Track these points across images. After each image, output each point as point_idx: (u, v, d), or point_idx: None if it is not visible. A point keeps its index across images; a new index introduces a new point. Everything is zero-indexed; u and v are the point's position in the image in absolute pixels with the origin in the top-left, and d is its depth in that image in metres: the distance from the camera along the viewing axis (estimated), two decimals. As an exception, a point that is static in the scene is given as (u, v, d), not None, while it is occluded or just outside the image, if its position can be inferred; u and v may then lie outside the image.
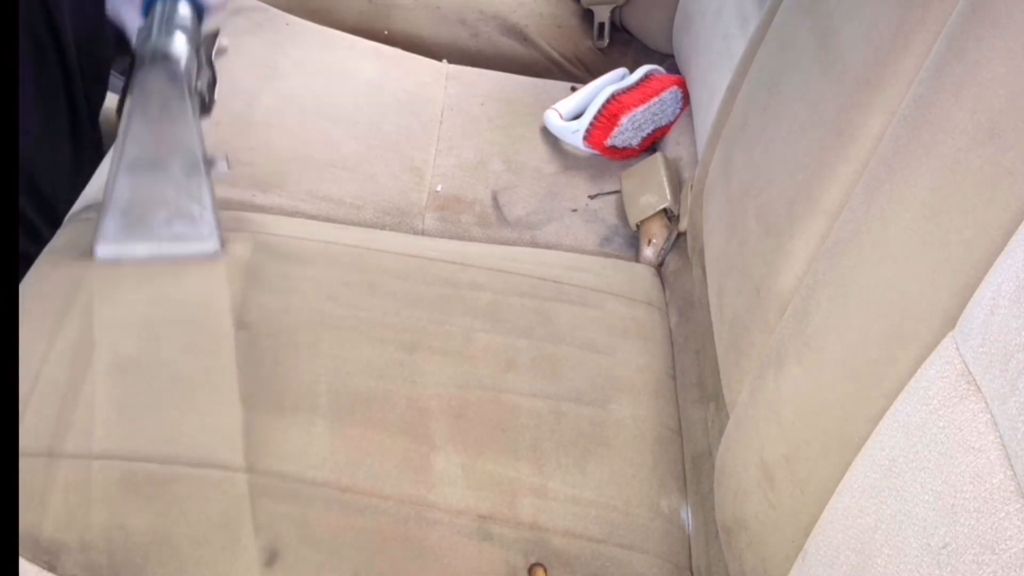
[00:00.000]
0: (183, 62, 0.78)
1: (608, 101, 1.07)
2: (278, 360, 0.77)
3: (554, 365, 0.82)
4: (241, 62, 1.07)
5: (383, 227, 0.96)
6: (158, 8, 0.81)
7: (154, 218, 0.81)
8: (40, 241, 0.87)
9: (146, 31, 0.79)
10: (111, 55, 1.18)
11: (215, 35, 0.96)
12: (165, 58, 0.77)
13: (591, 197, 1.05)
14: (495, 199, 1.03)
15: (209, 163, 0.81)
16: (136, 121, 0.77)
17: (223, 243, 0.84)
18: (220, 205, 0.91)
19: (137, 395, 0.73)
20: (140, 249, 0.81)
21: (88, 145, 1.12)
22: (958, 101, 0.49)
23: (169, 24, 0.80)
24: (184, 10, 0.82)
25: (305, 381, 0.76)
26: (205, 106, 0.88)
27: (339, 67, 1.13)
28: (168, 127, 0.78)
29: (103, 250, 0.81)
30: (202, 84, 0.87)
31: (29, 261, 0.85)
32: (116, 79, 1.22)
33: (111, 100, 1.20)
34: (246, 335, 0.78)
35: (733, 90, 0.85)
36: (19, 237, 1.06)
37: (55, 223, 0.91)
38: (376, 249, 0.90)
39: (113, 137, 1.09)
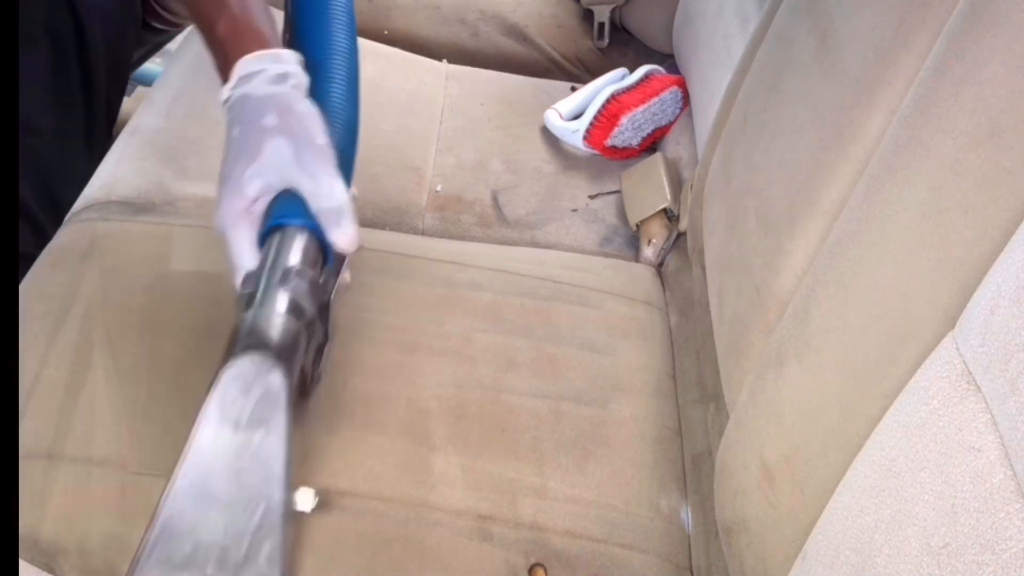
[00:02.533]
0: (289, 352, 0.58)
1: (608, 101, 1.07)
2: (278, 361, 0.77)
3: (554, 365, 0.82)
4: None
5: (383, 227, 0.96)
6: (274, 248, 0.60)
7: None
8: (46, 242, 0.87)
9: (252, 285, 0.59)
10: (133, 57, 1.19)
11: (339, 269, 0.67)
12: (265, 347, 0.57)
13: (591, 197, 1.05)
14: (495, 199, 1.03)
15: (290, 507, 0.56)
16: (211, 425, 0.56)
17: None
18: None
19: (137, 400, 0.72)
20: None
21: (102, 148, 1.12)
22: (958, 101, 0.49)
23: (282, 282, 0.59)
24: (307, 256, 0.61)
25: (305, 382, 0.76)
26: (305, 388, 0.63)
27: (339, 67, 1.13)
28: (250, 450, 0.56)
29: None
30: (308, 359, 0.62)
31: (33, 261, 0.85)
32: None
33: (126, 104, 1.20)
34: (246, 336, 0.78)
35: (733, 90, 0.85)
36: (26, 237, 1.06)
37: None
38: (376, 249, 0.90)
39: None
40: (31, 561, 0.63)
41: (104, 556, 0.64)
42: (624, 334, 0.87)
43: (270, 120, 0.62)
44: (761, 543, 0.61)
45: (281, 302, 0.58)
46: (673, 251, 0.98)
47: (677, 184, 1.01)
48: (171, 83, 1.04)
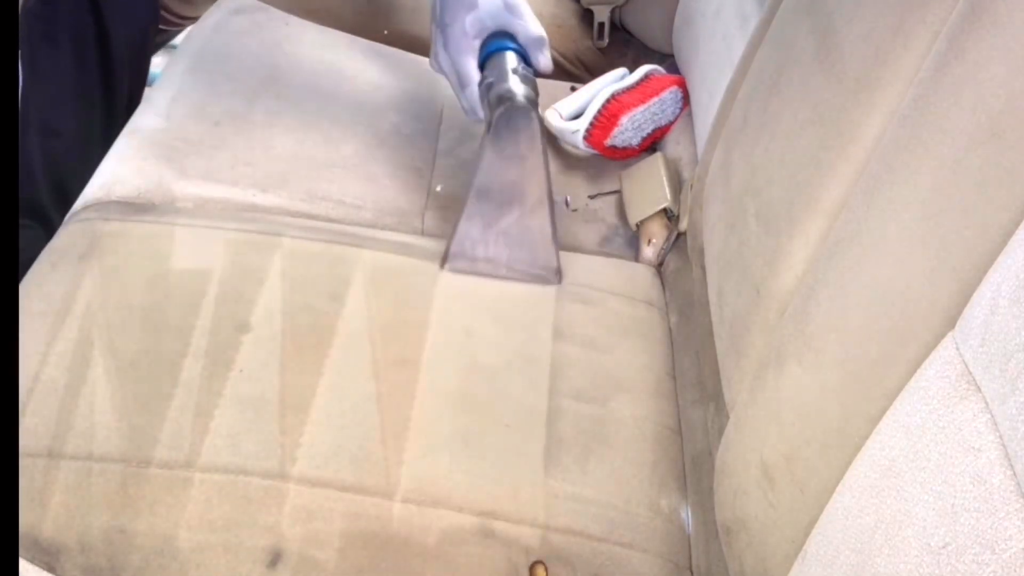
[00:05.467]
0: (534, 104, 0.85)
1: (608, 101, 1.07)
2: (280, 361, 0.77)
3: (554, 363, 0.82)
4: (241, 62, 1.07)
5: (383, 227, 0.96)
6: (496, 63, 0.89)
7: (497, 244, 0.88)
8: None
9: (489, 81, 0.88)
10: (152, 59, 1.19)
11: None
12: (517, 99, 0.84)
13: (591, 197, 1.05)
14: (495, 199, 1.02)
15: (553, 200, 0.88)
16: (489, 155, 0.85)
17: (561, 276, 0.90)
18: (220, 206, 0.91)
19: (138, 397, 0.73)
20: (482, 271, 0.89)
21: None
22: (958, 101, 0.49)
23: (512, 72, 0.87)
24: (520, 64, 0.89)
25: (307, 382, 0.76)
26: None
27: (339, 67, 1.13)
28: (518, 163, 0.85)
29: (452, 268, 0.89)
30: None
31: None
32: None
33: None
34: (248, 337, 0.78)
35: (733, 90, 0.85)
36: (38, 239, 1.06)
37: None
38: (377, 249, 0.90)
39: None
40: (32, 560, 0.63)
41: (106, 552, 0.64)
42: (624, 333, 0.87)
43: None
44: (761, 543, 0.61)
45: (515, 77, 0.87)
46: (673, 251, 0.98)
47: (677, 184, 1.01)
48: (171, 83, 1.04)
